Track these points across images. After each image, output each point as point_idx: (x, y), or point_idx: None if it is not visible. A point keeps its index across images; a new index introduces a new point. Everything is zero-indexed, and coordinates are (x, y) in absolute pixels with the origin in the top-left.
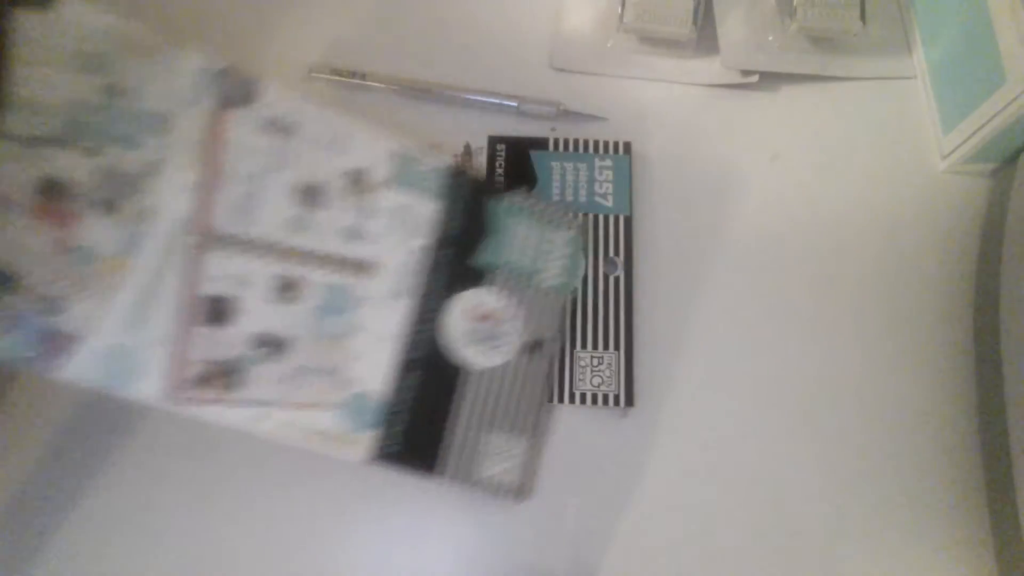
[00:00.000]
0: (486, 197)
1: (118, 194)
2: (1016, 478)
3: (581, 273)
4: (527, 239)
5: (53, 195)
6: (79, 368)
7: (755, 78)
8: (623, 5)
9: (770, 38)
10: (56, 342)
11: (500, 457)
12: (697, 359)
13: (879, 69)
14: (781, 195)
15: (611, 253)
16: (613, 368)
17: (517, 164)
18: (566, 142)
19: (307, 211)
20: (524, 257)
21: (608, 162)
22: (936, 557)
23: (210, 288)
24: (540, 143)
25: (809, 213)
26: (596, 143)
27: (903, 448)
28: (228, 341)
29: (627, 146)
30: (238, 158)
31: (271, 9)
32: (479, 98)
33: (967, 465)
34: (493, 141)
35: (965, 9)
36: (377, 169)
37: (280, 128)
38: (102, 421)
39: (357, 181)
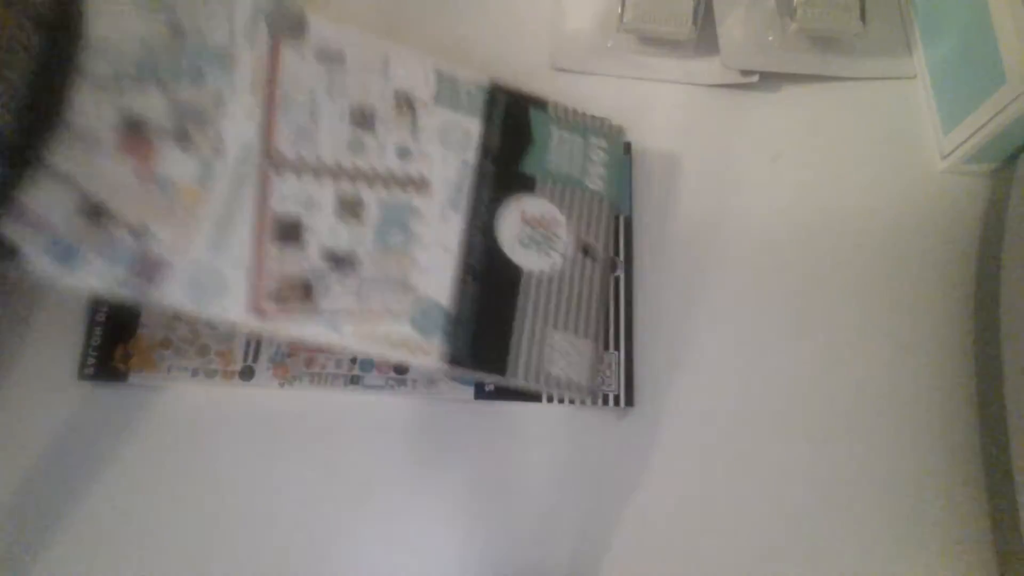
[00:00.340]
0: (529, 108)
1: (190, 126)
2: (1016, 478)
3: (623, 178)
4: (571, 146)
5: (133, 130)
6: (169, 290)
7: (755, 78)
8: (623, 5)
9: (770, 38)
10: (146, 266)
11: (567, 357)
12: (697, 359)
13: (879, 69)
14: (781, 195)
15: (611, 253)
16: (613, 368)
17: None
18: None
19: (362, 133)
20: (569, 164)
21: None
22: (936, 557)
23: (280, 209)
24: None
25: (809, 213)
26: None
27: (903, 448)
28: (300, 258)
29: (627, 146)
30: (295, 86)
31: None
32: None
33: (967, 465)
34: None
35: (965, 9)
36: (423, 89)
37: (331, 56)
38: (102, 417)
39: (405, 102)
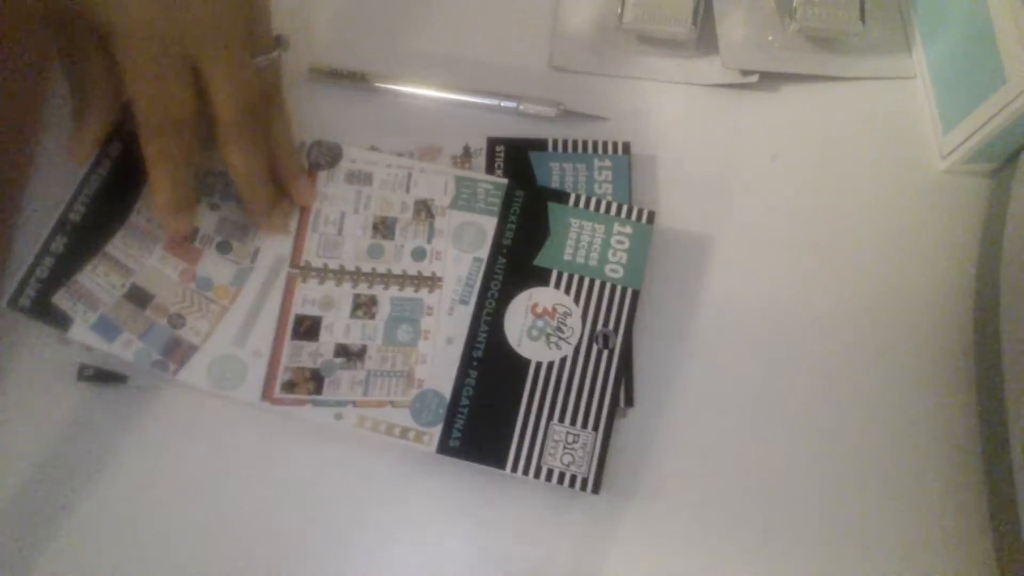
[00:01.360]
0: (547, 202)
1: (233, 238)
2: (1016, 478)
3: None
4: (591, 237)
5: (186, 236)
6: (193, 372)
7: (755, 78)
8: (623, 5)
9: (770, 38)
10: (178, 350)
11: (567, 449)
12: (696, 359)
13: (879, 69)
14: (781, 195)
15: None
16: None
17: (516, 165)
18: (565, 142)
19: (382, 240)
20: (587, 254)
21: (607, 162)
22: (936, 557)
23: (302, 310)
24: (539, 144)
25: (809, 213)
26: (595, 143)
27: (903, 448)
28: (314, 352)
29: (626, 146)
30: (327, 206)
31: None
32: (479, 99)
33: (967, 465)
34: (492, 143)
35: (965, 9)
36: (442, 197)
37: (359, 178)
38: (102, 417)
39: (423, 209)
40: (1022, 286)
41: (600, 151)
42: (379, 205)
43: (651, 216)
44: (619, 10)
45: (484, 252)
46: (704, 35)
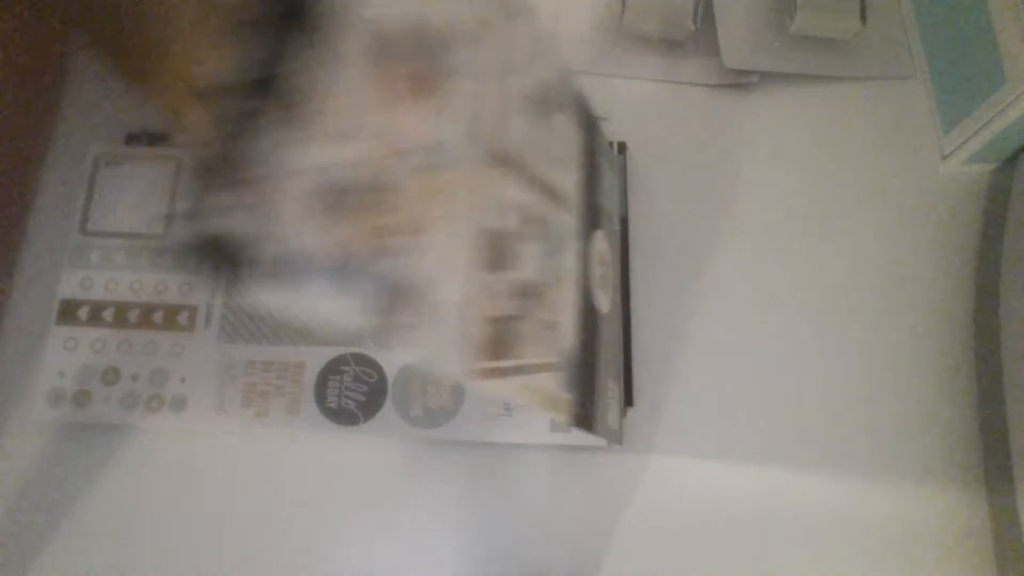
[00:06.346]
0: (594, 133)
1: None
2: (1016, 477)
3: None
4: (610, 178)
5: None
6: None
7: (755, 78)
8: (623, 5)
9: (770, 38)
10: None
11: (613, 403)
12: (696, 359)
13: (879, 69)
14: (780, 195)
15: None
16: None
17: None
18: None
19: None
20: (608, 194)
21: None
22: (936, 556)
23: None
24: None
25: (808, 213)
26: None
27: (903, 447)
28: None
29: (621, 146)
30: None
31: None
32: None
33: (967, 464)
34: None
35: (965, 9)
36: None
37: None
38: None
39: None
40: (1022, 286)
41: None
42: None
43: (622, 146)
44: (619, 10)
45: (578, 173)
46: (704, 35)
